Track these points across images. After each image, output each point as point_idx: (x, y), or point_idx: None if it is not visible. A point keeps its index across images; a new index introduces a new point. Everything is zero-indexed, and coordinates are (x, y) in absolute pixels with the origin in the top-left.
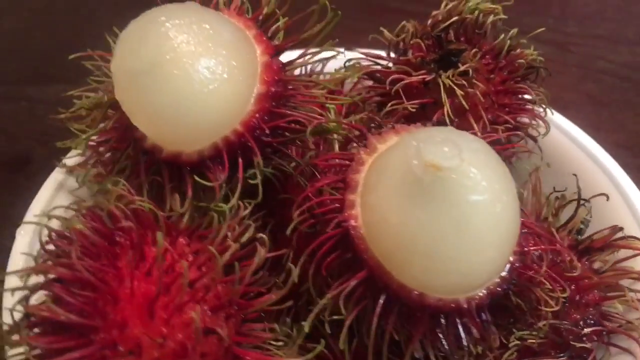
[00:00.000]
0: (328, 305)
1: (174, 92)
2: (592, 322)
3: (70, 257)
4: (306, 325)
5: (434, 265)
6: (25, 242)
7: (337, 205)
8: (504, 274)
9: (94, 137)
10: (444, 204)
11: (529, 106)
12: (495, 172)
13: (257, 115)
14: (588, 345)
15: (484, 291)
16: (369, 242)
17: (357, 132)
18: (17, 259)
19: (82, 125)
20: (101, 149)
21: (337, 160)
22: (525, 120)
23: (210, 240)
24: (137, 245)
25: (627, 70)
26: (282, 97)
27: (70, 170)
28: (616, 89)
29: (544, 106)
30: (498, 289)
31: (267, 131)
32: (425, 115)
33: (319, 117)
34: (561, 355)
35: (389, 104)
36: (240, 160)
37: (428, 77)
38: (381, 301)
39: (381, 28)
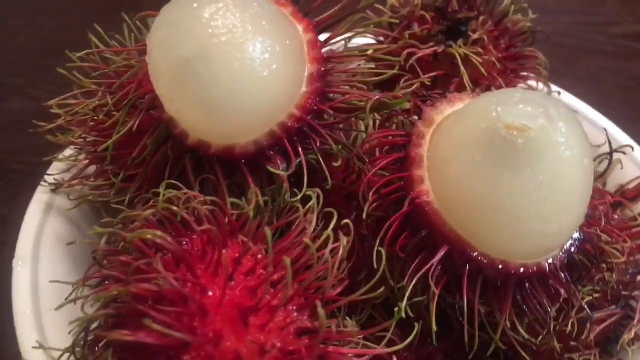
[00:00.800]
0: (406, 289)
1: (231, 78)
2: (635, 271)
3: (149, 272)
4: (402, 311)
5: (522, 230)
6: (26, 274)
7: (401, 183)
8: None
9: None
10: (536, 165)
11: (536, 70)
12: (577, 126)
13: (312, 96)
14: (638, 293)
15: (562, 251)
16: (446, 216)
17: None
18: (24, 292)
19: (68, 136)
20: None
21: (391, 137)
22: (533, 84)
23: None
24: (211, 251)
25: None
26: (331, 75)
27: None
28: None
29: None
30: (572, 248)
31: (321, 113)
32: (435, 88)
33: (374, 94)
34: (615, 307)
35: (403, 80)
36: (298, 146)
37: (439, 49)
38: (466, 275)
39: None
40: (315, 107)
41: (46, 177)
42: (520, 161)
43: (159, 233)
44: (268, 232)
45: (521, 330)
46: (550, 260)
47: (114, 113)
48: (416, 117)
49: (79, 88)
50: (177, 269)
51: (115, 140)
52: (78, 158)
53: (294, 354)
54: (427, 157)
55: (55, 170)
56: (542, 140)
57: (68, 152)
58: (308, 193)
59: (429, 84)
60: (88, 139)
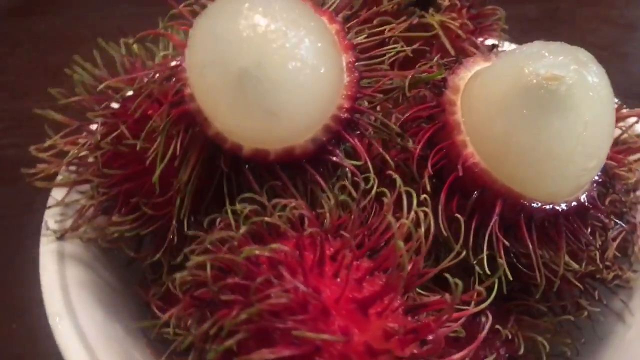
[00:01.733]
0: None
1: (289, 81)
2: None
3: (267, 287)
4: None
5: (569, 171)
6: (68, 328)
7: (444, 151)
8: None
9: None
10: (580, 108)
11: (496, 26)
12: (599, 65)
13: (354, 84)
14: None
15: (593, 184)
16: (495, 173)
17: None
18: (75, 346)
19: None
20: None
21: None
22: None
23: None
24: (310, 253)
25: None
26: (362, 60)
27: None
28: None
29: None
30: (599, 179)
31: (364, 98)
32: (416, 59)
33: (409, 71)
34: (618, 224)
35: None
36: (346, 135)
37: (414, 21)
38: (523, 222)
39: None
40: (359, 94)
41: (48, 224)
42: (566, 107)
43: (275, 245)
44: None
45: (575, 265)
46: (585, 194)
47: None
48: (438, 89)
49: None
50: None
51: (159, 170)
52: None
53: (416, 332)
54: (462, 121)
55: (52, 215)
56: (581, 83)
57: (57, 193)
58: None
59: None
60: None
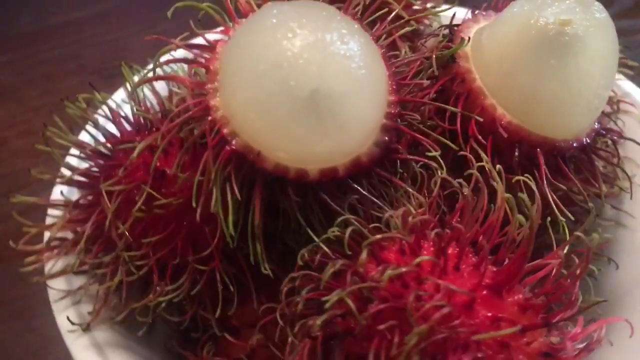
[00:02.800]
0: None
1: (355, 92)
2: None
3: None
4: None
5: (582, 108)
6: None
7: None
8: None
9: None
10: (591, 46)
11: None
12: (607, 20)
13: (392, 77)
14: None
15: (596, 122)
16: (528, 126)
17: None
18: None
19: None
20: None
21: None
22: None
23: None
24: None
25: None
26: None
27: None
28: None
29: None
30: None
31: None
32: None
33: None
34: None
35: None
36: (403, 128)
37: None
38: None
39: None
40: (398, 85)
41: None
42: (579, 47)
43: (425, 257)
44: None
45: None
46: (595, 126)
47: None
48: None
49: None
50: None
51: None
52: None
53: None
54: (484, 85)
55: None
56: (590, 24)
57: (60, 284)
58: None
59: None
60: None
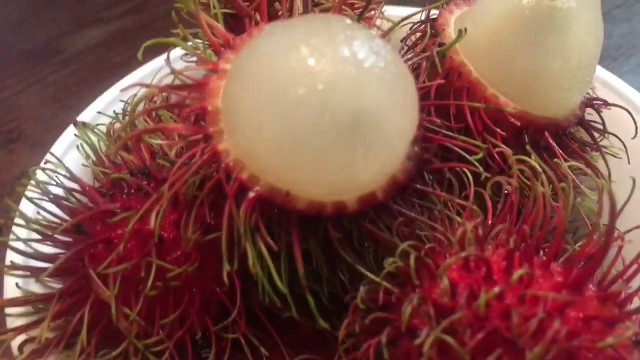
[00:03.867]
0: None
1: (393, 108)
2: None
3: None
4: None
5: (577, 83)
6: None
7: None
8: None
9: None
10: (574, 25)
11: None
12: None
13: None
14: None
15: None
16: (529, 110)
17: None
18: None
19: None
20: None
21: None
22: None
23: None
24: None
25: None
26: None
27: None
28: None
29: None
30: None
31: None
32: None
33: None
34: None
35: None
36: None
37: None
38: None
39: None
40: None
41: None
42: (576, 19)
43: (521, 271)
44: None
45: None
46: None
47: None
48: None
49: None
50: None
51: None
52: None
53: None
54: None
55: None
56: (566, 10)
57: None
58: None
59: None
60: None
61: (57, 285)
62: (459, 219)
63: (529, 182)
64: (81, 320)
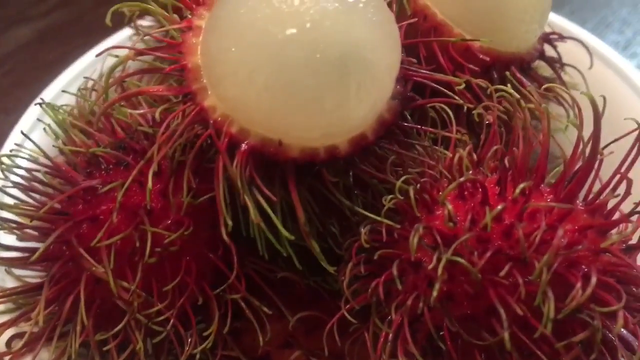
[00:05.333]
0: None
1: (385, 49)
2: None
3: None
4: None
5: (535, 16)
6: None
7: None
8: None
9: None
10: None
11: None
12: None
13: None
14: None
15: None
16: (497, 47)
17: None
18: None
19: None
20: None
21: None
22: None
23: None
24: None
25: None
26: None
27: None
28: None
29: None
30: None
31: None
32: None
33: None
34: None
35: None
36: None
37: None
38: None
39: None
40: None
41: None
42: None
43: (524, 184)
44: None
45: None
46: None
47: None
48: None
49: None
50: None
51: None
52: None
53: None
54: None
55: None
56: None
57: None
58: None
59: None
60: None
61: (33, 280)
62: (447, 152)
63: (511, 109)
64: (74, 303)
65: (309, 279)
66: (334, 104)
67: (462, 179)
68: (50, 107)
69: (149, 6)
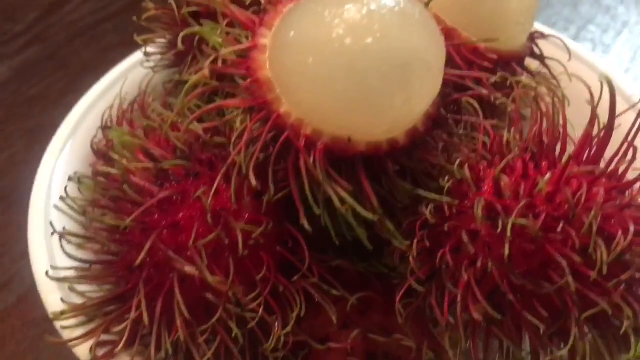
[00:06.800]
0: None
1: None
2: None
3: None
4: None
5: (532, 13)
6: None
7: None
8: None
9: None
10: None
11: None
12: None
13: None
14: None
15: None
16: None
17: None
18: None
19: None
20: None
21: None
22: None
23: None
24: None
25: None
26: None
27: None
28: None
29: None
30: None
31: None
32: None
33: None
34: None
35: None
36: None
37: None
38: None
39: None
40: None
41: None
42: None
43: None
44: None
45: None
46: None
47: None
48: None
49: None
50: None
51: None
52: None
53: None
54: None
55: None
56: None
57: None
58: None
59: None
60: None
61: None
62: (484, 137)
63: (530, 95)
64: (164, 305)
65: (358, 265)
66: (401, 101)
67: (510, 156)
68: (118, 130)
69: (210, 31)
